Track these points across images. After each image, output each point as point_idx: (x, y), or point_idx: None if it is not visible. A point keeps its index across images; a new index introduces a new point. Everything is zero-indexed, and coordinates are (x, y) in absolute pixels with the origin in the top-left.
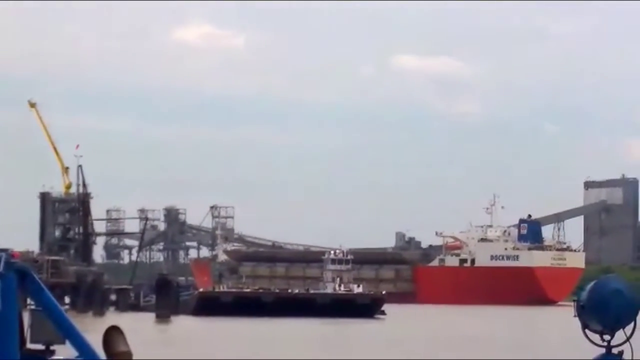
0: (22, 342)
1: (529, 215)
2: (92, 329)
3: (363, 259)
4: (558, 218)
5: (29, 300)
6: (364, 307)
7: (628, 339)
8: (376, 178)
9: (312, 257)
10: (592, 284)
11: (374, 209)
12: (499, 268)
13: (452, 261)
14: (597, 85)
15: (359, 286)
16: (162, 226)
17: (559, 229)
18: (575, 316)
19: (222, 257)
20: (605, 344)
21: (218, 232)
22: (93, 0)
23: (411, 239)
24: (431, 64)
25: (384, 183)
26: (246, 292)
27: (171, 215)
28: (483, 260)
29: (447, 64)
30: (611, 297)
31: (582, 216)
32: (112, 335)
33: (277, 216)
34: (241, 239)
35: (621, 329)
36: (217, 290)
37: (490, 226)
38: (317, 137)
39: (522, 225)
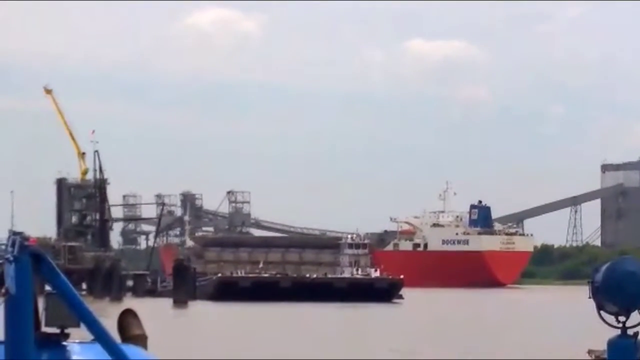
0: (37, 325)
1: (480, 201)
2: (109, 314)
3: (320, 243)
4: (575, 201)
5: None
6: (382, 291)
7: None
8: (386, 163)
9: (275, 243)
10: (607, 265)
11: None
12: (449, 252)
13: (406, 246)
14: (605, 66)
15: (376, 270)
16: (178, 211)
17: (575, 212)
18: (589, 297)
19: (189, 242)
20: (620, 325)
21: (186, 217)
22: None
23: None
24: (438, 47)
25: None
26: (264, 277)
27: (188, 200)
28: (435, 244)
29: (454, 46)
30: (626, 279)
31: (599, 199)
32: (127, 318)
33: (293, 202)
34: (257, 224)
35: (636, 310)
36: (234, 275)
37: (443, 212)
38: (324, 122)
39: (472, 210)
